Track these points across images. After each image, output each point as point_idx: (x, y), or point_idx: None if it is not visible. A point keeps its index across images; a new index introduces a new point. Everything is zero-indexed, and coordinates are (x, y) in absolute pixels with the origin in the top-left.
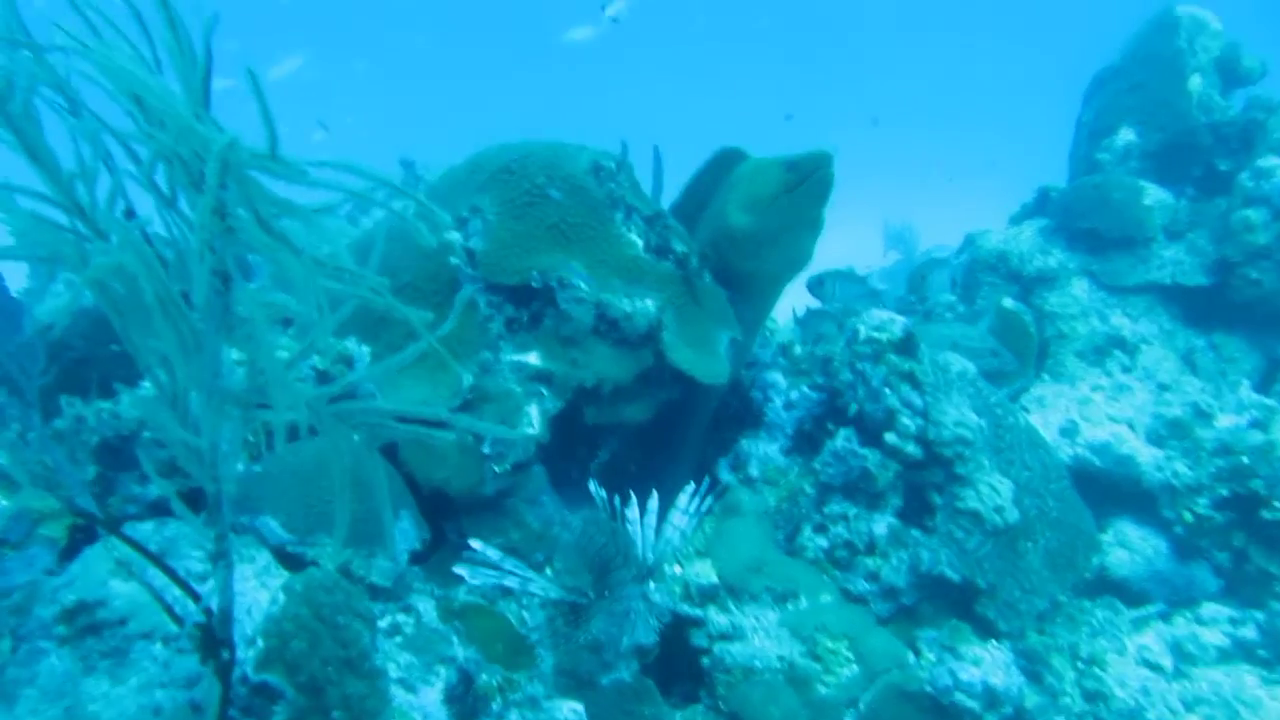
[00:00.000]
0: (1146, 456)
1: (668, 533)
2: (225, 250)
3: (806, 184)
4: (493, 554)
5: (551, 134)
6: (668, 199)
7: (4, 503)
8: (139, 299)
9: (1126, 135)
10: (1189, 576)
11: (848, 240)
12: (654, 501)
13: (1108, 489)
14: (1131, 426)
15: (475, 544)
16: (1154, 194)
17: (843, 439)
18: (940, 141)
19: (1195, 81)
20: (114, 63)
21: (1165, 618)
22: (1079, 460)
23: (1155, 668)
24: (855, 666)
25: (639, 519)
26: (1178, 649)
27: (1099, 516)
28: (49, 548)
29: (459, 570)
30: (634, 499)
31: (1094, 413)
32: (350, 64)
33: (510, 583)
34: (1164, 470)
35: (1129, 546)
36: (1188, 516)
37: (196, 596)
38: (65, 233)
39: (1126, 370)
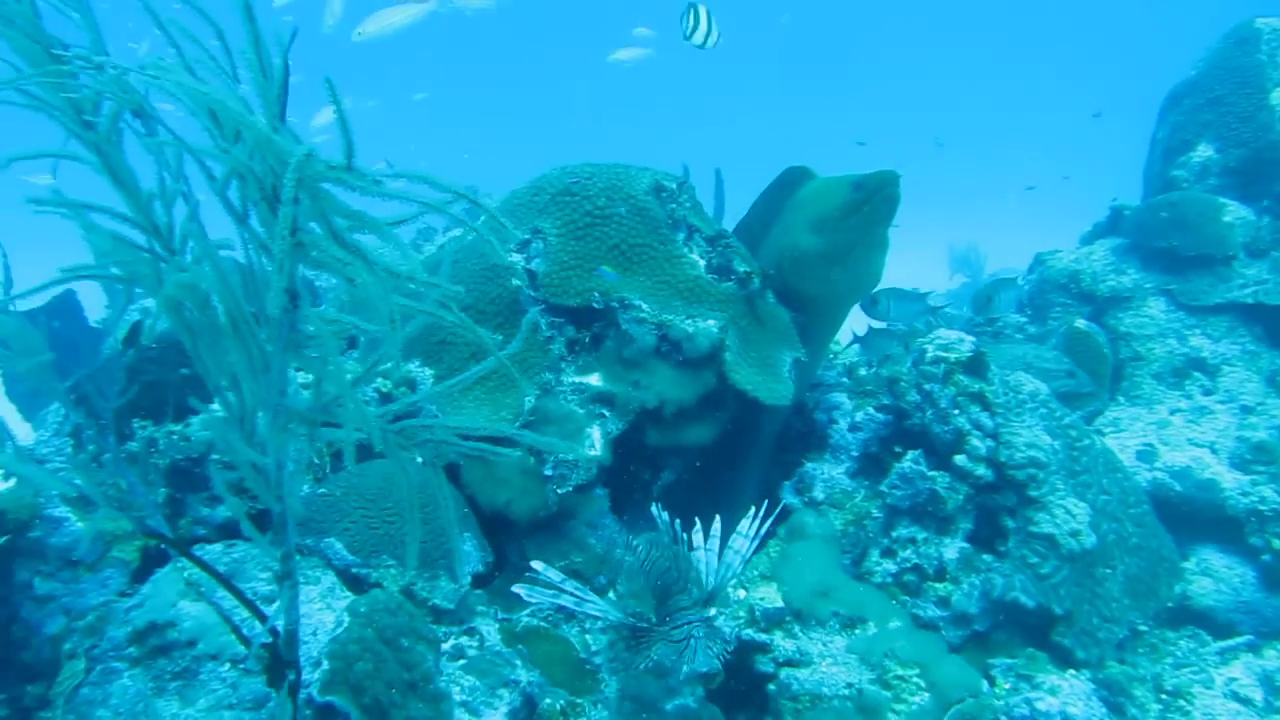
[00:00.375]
0: (1230, 481)
1: (728, 557)
2: (294, 266)
3: (872, 202)
4: (554, 575)
5: (611, 156)
6: (730, 220)
7: (80, 525)
8: (211, 319)
9: (1204, 151)
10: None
11: (913, 264)
12: (717, 525)
13: (1188, 515)
14: (1213, 450)
15: (537, 565)
16: (1234, 211)
17: (910, 461)
18: (1008, 163)
19: (1278, 95)
20: (190, 79)
21: (1254, 649)
22: (1157, 485)
23: (1245, 701)
24: (927, 695)
25: (702, 543)
26: (1268, 682)
27: (1179, 543)
28: (122, 569)
29: (518, 590)
30: (698, 523)
31: (1173, 436)
32: (408, 95)
33: (566, 602)
34: (1250, 496)
35: (1213, 575)
36: (1277, 544)
37: (263, 617)
38: (142, 253)
39: (1207, 393)
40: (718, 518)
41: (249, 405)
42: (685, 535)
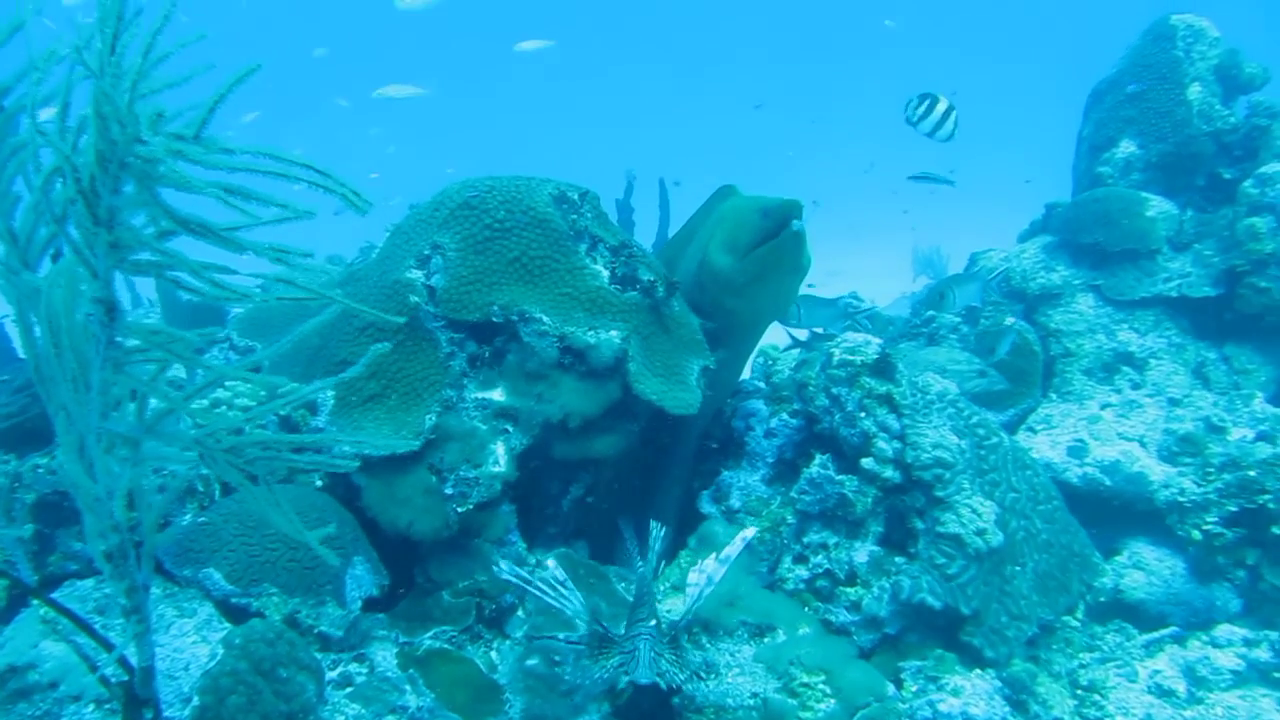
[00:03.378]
0: (1159, 474)
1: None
2: (111, 272)
3: (779, 238)
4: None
5: (590, 163)
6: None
7: None
8: (53, 337)
9: (1127, 147)
10: (1209, 597)
11: (882, 265)
12: (711, 560)
13: (1120, 509)
14: (1143, 444)
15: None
16: (1157, 205)
17: (818, 465)
18: (976, 164)
19: (1195, 90)
20: None
21: (1180, 640)
22: (1089, 480)
23: (1167, 694)
24: (833, 701)
25: (698, 579)
26: (1190, 673)
27: (1113, 537)
28: None
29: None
30: (700, 562)
31: (1104, 431)
32: (366, 130)
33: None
34: (1171, 488)
35: (1145, 568)
36: (1195, 534)
37: (110, 648)
38: None
39: (1136, 386)
40: (729, 547)
41: (80, 430)
42: (644, 551)
